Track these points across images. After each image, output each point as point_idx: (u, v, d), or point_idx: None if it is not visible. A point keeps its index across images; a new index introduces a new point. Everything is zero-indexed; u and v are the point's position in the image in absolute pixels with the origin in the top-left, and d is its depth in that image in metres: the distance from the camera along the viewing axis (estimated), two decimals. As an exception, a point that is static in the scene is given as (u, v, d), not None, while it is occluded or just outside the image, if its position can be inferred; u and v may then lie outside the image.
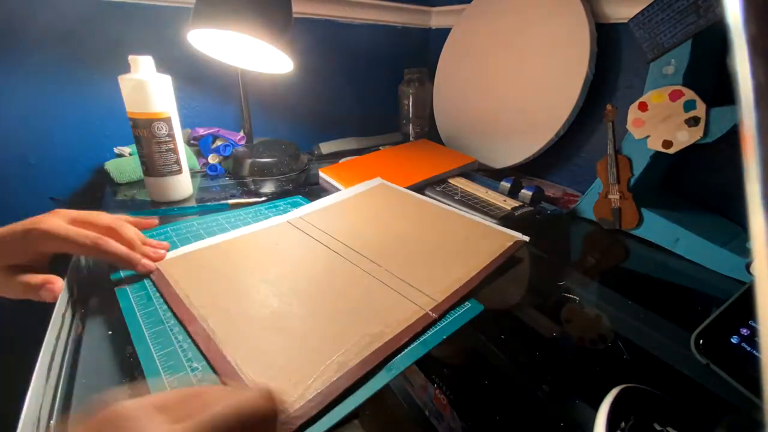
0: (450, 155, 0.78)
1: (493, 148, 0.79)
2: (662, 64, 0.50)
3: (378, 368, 0.29)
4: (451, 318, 0.36)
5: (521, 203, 0.60)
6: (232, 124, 0.83)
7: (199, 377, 0.29)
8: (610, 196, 0.56)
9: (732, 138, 0.45)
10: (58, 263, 0.42)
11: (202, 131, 0.75)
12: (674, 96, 0.48)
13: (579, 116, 0.67)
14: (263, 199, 0.61)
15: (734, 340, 0.32)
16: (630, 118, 0.53)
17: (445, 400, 0.30)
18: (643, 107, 0.52)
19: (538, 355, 0.34)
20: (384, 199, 0.59)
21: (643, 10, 0.50)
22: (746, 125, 0.11)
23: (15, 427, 0.23)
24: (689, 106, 0.47)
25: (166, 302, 0.36)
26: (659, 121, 0.50)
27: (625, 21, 0.52)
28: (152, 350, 0.31)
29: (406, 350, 0.32)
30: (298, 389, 0.27)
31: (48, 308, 0.33)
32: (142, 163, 0.57)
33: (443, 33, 0.90)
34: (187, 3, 0.70)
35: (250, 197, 0.61)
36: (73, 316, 0.36)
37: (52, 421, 0.26)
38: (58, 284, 0.35)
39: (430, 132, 0.98)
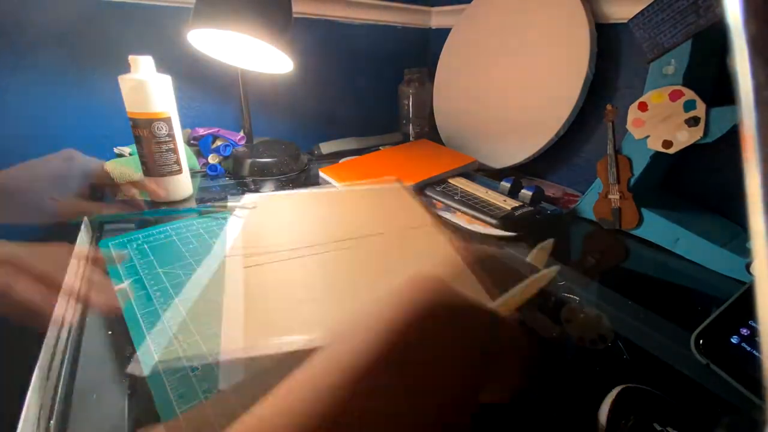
0: (450, 155, 0.78)
1: (493, 148, 0.79)
2: (662, 64, 0.50)
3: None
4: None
5: (521, 203, 0.60)
6: (232, 124, 0.83)
7: (200, 377, 0.29)
8: (610, 196, 0.56)
9: (732, 138, 0.45)
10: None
11: (202, 131, 0.75)
12: (674, 96, 0.48)
13: (579, 116, 0.67)
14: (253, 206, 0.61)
15: (734, 340, 0.32)
16: (630, 118, 0.53)
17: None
18: (643, 107, 0.52)
19: (537, 355, 0.34)
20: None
21: (643, 10, 0.50)
22: (746, 125, 0.11)
23: (15, 427, 0.23)
24: (689, 106, 0.47)
25: None
26: (659, 121, 0.50)
27: (625, 21, 0.52)
28: (152, 350, 0.31)
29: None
30: None
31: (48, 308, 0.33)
32: (142, 163, 0.57)
33: (443, 33, 0.90)
34: (187, 3, 0.70)
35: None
36: (73, 316, 0.36)
37: (52, 421, 0.26)
38: None
39: (430, 132, 0.98)
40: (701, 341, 0.32)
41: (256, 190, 0.66)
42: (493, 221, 0.56)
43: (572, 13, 0.64)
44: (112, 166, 0.65)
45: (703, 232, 0.49)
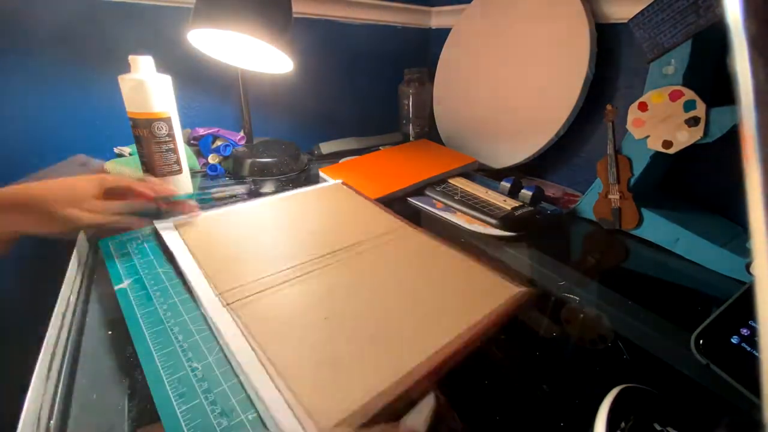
0: (450, 155, 0.78)
1: (493, 148, 0.79)
2: (662, 64, 0.50)
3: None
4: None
5: (521, 203, 0.60)
6: (232, 124, 0.83)
7: (200, 377, 0.29)
8: (610, 196, 0.56)
9: (732, 138, 0.45)
10: (57, 261, 0.42)
11: (202, 131, 0.75)
12: (674, 96, 0.48)
13: (579, 116, 0.67)
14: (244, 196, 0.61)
15: (734, 340, 0.32)
16: (630, 118, 0.53)
17: (444, 400, 0.30)
18: (643, 107, 0.52)
19: (538, 355, 0.34)
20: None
21: (643, 10, 0.50)
22: (746, 125, 0.11)
23: (15, 427, 0.23)
24: (689, 106, 0.47)
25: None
26: (659, 121, 0.50)
27: (625, 21, 0.52)
28: (152, 350, 0.31)
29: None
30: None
31: (48, 308, 0.33)
32: (142, 162, 0.57)
33: (443, 33, 0.90)
34: (187, 3, 0.70)
35: (250, 197, 0.61)
36: (73, 315, 0.36)
37: (52, 421, 0.26)
38: None
39: (430, 132, 0.98)
40: (701, 341, 0.32)
41: (257, 190, 0.66)
42: (493, 221, 0.56)
43: (572, 13, 0.64)
44: (112, 166, 0.65)
45: (703, 232, 0.49)
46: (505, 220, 0.56)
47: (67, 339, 0.33)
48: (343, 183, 0.64)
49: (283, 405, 0.26)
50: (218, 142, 0.76)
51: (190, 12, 0.58)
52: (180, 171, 0.59)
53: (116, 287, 0.38)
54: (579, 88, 0.64)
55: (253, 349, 0.31)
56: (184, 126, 0.62)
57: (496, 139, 0.79)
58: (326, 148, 0.88)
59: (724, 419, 0.29)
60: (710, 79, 0.51)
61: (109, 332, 0.34)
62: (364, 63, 0.97)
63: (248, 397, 0.28)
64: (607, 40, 0.64)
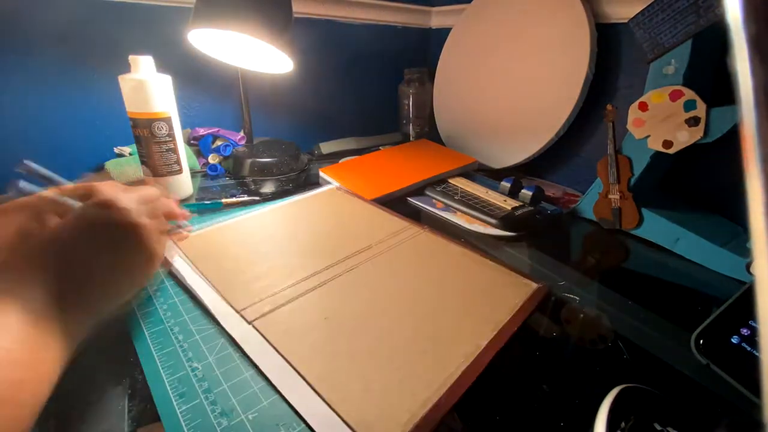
0: (450, 155, 0.78)
1: (493, 148, 0.79)
2: (662, 64, 0.50)
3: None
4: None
5: (521, 203, 0.60)
6: (232, 124, 0.83)
7: (200, 377, 0.29)
8: (610, 196, 0.56)
9: (732, 138, 0.45)
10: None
11: (202, 131, 0.75)
12: (674, 96, 0.48)
13: (579, 116, 0.67)
14: (258, 198, 0.60)
15: (734, 340, 0.32)
16: (630, 118, 0.53)
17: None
18: (643, 107, 0.52)
19: (538, 355, 0.34)
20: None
21: (643, 10, 0.50)
22: (746, 125, 0.11)
23: (15, 427, 0.23)
24: (689, 106, 0.47)
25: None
26: (659, 121, 0.50)
27: (625, 21, 0.52)
28: (152, 350, 0.31)
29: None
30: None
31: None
32: (142, 163, 0.57)
33: (443, 33, 0.90)
34: (187, 3, 0.70)
35: (250, 197, 0.61)
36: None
37: (51, 421, 0.26)
38: None
39: (430, 132, 0.98)
40: (701, 341, 0.32)
41: (257, 190, 0.66)
42: (493, 221, 0.56)
43: (572, 13, 0.64)
44: (112, 166, 0.65)
45: (703, 232, 0.49)
46: (506, 220, 0.56)
47: (67, 339, 0.33)
48: (339, 187, 0.64)
49: (337, 421, 0.26)
50: (218, 142, 0.76)
51: (190, 12, 0.58)
52: (180, 171, 0.59)
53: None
54: (579, 88, 0.64)
55: (293, 368, 0.30)
56: (184, 126, 0.62)
57: (496, 139, 0.79)
58: (326, 148, 0.88)
59: (724, 419, 0.29)
60: (710, 79, 0.51)
61: (109, 332, 0.34)
62: (365, 63, 0.97)
63: (293, 409, 0.27)
64: (607, 40, 0.64)
